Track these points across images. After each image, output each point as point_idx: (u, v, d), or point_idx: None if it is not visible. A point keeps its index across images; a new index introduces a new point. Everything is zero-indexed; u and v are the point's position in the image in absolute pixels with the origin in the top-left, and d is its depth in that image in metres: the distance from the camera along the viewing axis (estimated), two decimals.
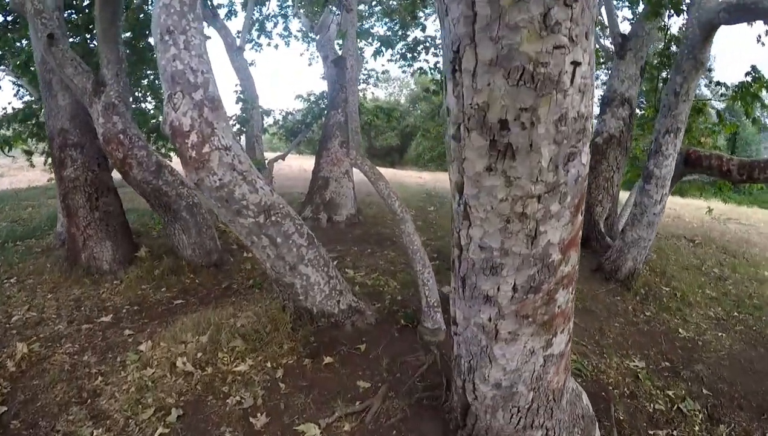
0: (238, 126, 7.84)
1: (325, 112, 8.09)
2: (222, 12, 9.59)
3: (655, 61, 6.79)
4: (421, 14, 9.63)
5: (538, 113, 1.42)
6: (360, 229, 7.07)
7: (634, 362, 3.35)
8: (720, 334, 3.98)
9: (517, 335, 1.88)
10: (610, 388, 2.97)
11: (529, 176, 1.53)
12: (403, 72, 13.09)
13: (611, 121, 6.45)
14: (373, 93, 16.77)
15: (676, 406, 2.89)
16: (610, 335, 3.74)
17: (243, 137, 8.01)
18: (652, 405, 2.88)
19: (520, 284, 1.76)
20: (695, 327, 4.06)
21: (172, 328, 3.34)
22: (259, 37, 10.15)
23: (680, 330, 3.95)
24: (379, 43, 9.44)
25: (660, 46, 6.87)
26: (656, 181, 4.42)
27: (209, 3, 8.16)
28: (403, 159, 26.11)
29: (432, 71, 10.46)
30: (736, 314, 4.44)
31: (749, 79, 5.66)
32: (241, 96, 7.90)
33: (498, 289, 1.80)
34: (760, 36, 5.20)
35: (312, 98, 9.46)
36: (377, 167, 3.49)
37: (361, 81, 11.21)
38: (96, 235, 4.60)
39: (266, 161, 7.93)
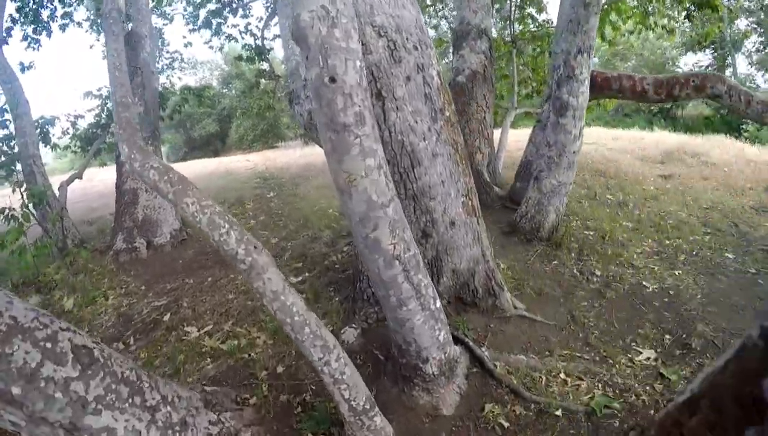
0: None
1: None
2: None
3: None
4: None
5: None
6: (191, 247, 5.32)
7: (640, 353, 2.49)
8: (676, 272, 3.43)
9: None
10: (652, 414, 2.02)
11: None
12: (210, 47, 10.99)
13: (471, 56, 5.65)
14: (180, 78, 14.33)
15: None
16: (588, 322, 2.84)
17: (18, 163, 5.63)
18: None
19: None
20: (650, 272, 3.46)
21: None
22: (35, 31, 7.23)
23: (644, 284, 3.27)
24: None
25: None
26: (573, 112, 3.62)
27: None
28: (226, 145, 24.28)
29: (243, 35, 8.87)
30: (667, 242, 3.99)
31: None
32: None
33: None
34: None
35: (104, 92, 7.12)
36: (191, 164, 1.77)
37: (164, 67, 9.33)
38: None
39: (60, 185, 5.86)
